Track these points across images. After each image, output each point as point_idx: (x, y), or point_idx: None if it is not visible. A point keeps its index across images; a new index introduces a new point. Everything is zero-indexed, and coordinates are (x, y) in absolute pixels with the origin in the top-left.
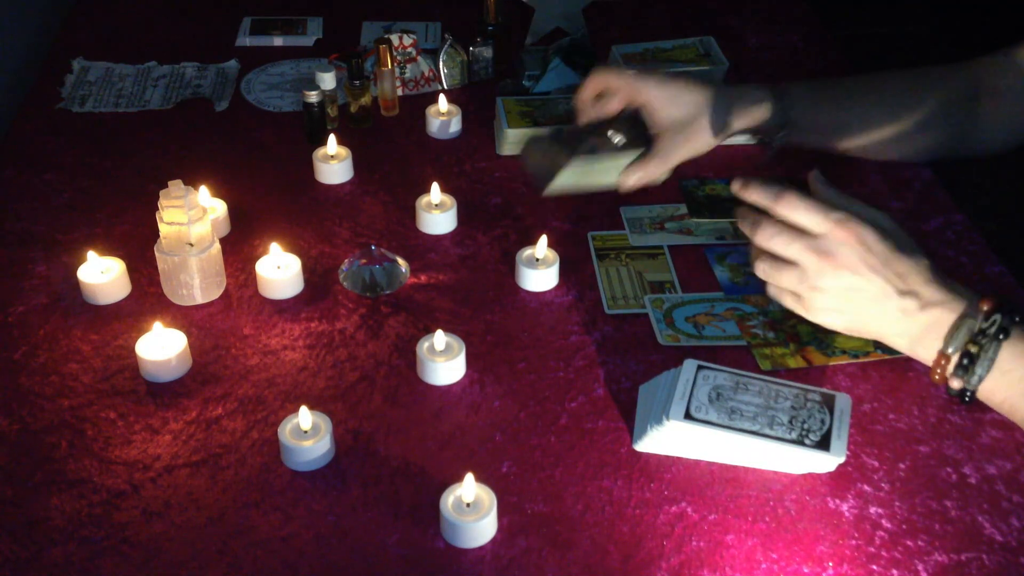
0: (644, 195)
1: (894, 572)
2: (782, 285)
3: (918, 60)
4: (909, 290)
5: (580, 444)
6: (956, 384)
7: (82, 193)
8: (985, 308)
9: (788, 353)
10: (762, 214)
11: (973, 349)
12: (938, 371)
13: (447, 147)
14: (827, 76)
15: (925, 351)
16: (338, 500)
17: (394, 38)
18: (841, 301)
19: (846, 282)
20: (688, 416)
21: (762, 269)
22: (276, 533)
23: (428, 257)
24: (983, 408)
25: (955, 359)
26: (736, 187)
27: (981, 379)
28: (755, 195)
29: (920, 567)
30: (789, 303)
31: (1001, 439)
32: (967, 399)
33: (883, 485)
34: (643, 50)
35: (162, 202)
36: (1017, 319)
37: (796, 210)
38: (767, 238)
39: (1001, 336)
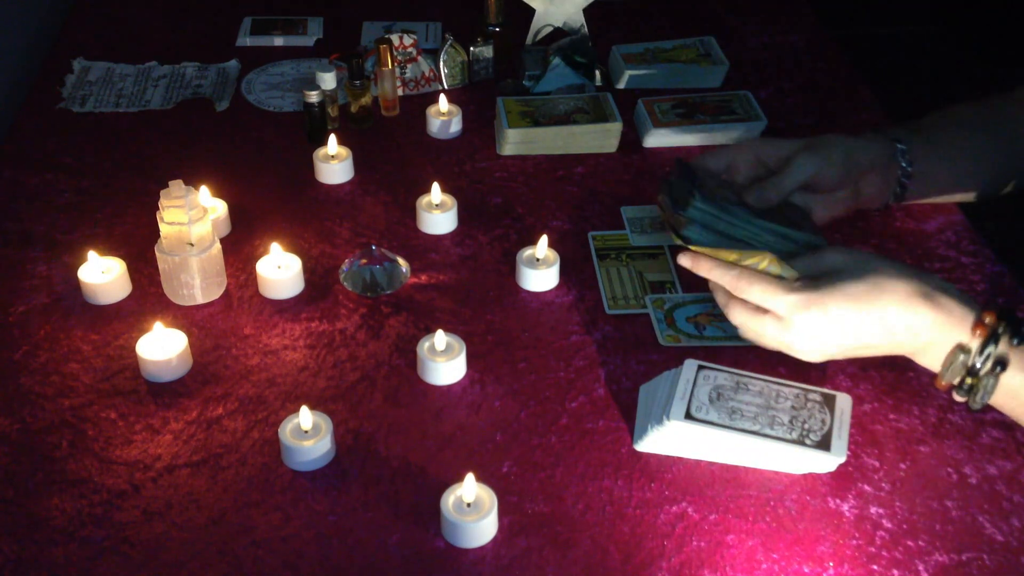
0: (644, 195)
1: (895, 572)
2: (764, 343)
3: (918, 60)
4: (895, 332)
5: (581, 444)
6: (960, 399)
7: (82, 193)
8: (979, 335)
9: None
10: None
11: (970, 381)
12: (942, 382)
13: (447, 147)
14: (832, 79)
15: (926, 362)
16: (338, 500)
17: (394, 38)
18: (826, 354)
19: (824, 345)
20: (689, 416)
21: (740, 327)
22: (276, 533)
23: (428, 257)
24: (983, 408)
25: (955, 382)
26: (686, 263)
27: (984, 403)
28: (709, 274)
29: (921, 567)
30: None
31: (1001, 439)
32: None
33: (884, 485)
34: (643, 50)
35: (163, 202)
36: (1016, 341)
37: (753, 293)
38: (736, 319)
39: (998, 369)
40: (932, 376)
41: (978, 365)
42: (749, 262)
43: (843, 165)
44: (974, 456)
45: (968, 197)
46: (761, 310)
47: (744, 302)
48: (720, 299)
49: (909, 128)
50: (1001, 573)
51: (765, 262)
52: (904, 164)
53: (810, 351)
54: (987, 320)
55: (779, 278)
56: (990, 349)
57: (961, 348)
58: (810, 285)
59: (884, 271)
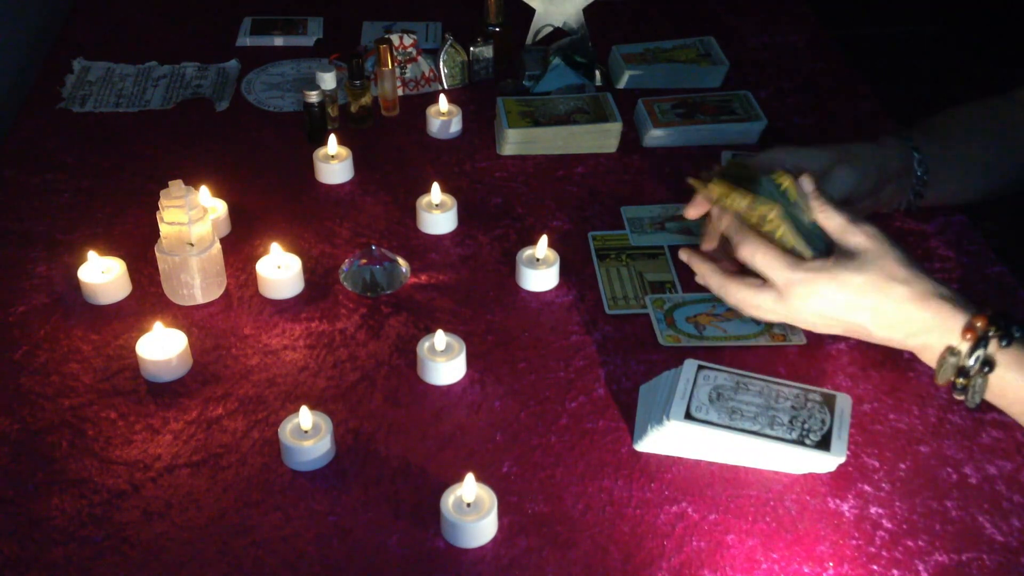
0: (644, 195)
1: (894, 572)
2: (762, 318)
3: (918, 60)
4: (886, 325)
5: (580, 444)
6: (958, 397)
7: (82, 193)
8: (969, 339)
9: None
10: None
11: (961, 383)
12: (939, 380)
13: (447, 147)
14: (832, 79)
15: (926, 359)
16: (338, 500)
17: (394, 38)
18: (817, 326)
19: (819, 322)
20: (688, 416)
21: (738, 304)
22: (276, 533)
23: (428, 257)
24: (983, 408)
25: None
26: (684, 257)
27: (978, 401)
28: (704, 279)
29: (921, 567)
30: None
31: (1001, 439)
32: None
33: (883, 485)
34: (643, 50)
35: (163, 202)
36: (1004, 343)
37: (755, 264)
38: (733, 298)
39: (986, 369)
40: (933, 374)
41: (967, 367)
42: (761, 210)
43: (876, 176)
44: (974, 456)
45: (971, 201)
46: (758, 285)
47: (739, 282)
48: (714, 284)
49: (920, 132)
50: (1001, 573)
51: (773, 212)
52: (920, 172)
53: (803, 322)
54: (978, 324)
55: (792, 251)
56: (979, 352)
57: (951, 351)
58: (814, 265)
59: (888, 269)
